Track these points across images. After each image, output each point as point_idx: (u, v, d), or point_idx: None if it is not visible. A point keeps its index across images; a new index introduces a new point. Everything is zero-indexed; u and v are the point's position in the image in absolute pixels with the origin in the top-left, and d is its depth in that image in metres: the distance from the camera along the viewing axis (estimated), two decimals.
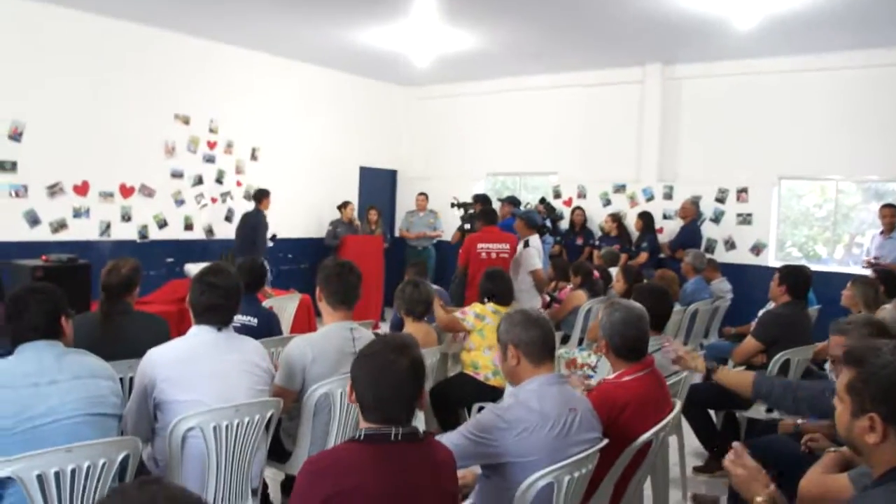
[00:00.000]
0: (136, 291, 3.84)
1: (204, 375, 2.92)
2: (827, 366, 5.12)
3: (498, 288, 5.14)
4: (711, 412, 5.02)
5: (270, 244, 9.24)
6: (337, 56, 9.97)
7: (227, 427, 2.87)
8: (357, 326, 3.63)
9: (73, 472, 2.38)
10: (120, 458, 2.51)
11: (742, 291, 8.05)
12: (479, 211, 7.83)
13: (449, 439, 2.51)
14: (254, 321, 4.53)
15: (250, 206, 9.72)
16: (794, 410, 3.27)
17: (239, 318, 4.52)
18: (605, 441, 2.67)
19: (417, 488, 2.02)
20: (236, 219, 9.70)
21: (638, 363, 3.11)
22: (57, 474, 2.35)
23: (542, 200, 10.51)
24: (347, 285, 3.58)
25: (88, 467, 2.41)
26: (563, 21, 7.86)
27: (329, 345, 3.43)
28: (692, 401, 4.52)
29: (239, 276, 3.25)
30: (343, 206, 10.35)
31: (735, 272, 8.53)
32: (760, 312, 6.21)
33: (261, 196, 9.15)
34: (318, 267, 3.74)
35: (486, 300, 5.10)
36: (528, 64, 10.11)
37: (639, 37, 8.41)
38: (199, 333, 3.02)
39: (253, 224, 9.02)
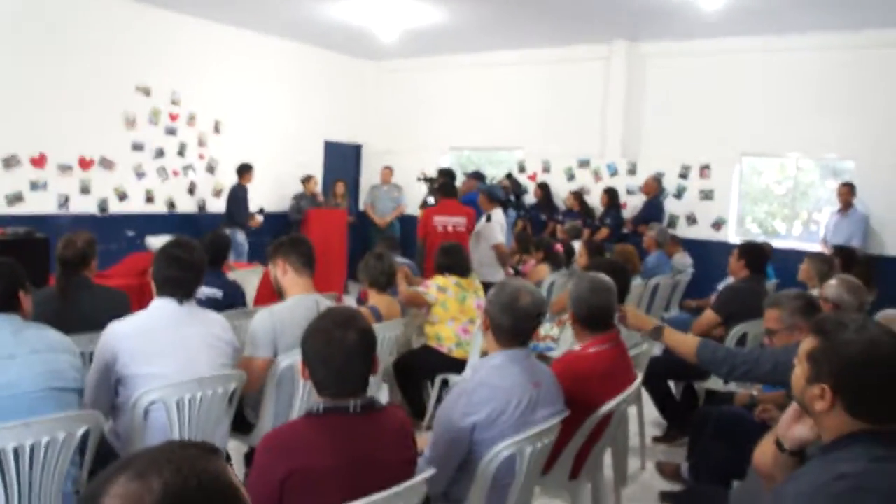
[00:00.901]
0: (93, 265, 3.79)
1: (166, 348, 2.89)
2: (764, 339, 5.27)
3: (454, 261, 5.17)
4: (671, 383, 5.11)
5: (260, 218, 9.24)
6: (303, 29, 9.85)
7: (189, 400, 2.86)
8: (321, 298, 3.62)
9: (31, 447, 2.34)
10: (80, 432, 2.48)
11: (702, 266, 8.18)
12: (438, 185, 7.85)
13: (427, 449, 2.53)
14: (219, 293, 4.50)
15: (213, 178, 9.65)
16: (732, 377, 3.33)
17: (204, 291, 4.48)
18: (567, 412, 2.71)
19: (377, 459, 2.04)
20: (198, 192, 9.63)
21: (603, 334, 3.15)
22: (16, 450, 2.31)
23: (509, 175, 10.54)
24: (307, 247, 3.63)
25: (48, 442, 2.38)
26: None
27: (294, 315, 3.41)
28: (652, 372, 4.59)
29: (203, 249, 3.22)
30: (306, 180, 10.28)
31: (696, 247, 8.66)
32: (720, 286, 6.33)
33: (242, 170, 9.15)
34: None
35: (444, 274, 5.12)
36: (493, 39, 10.07)
37: (605, 14, 8.42)
38: (161, 306, 2.98)
39: (232, 198, 9.14)
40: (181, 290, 2.99)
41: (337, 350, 2.05)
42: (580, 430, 2.91)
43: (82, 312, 3.55)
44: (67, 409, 2.56)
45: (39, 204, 7.97)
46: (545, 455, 2.68)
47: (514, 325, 2.61)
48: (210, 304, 4.37)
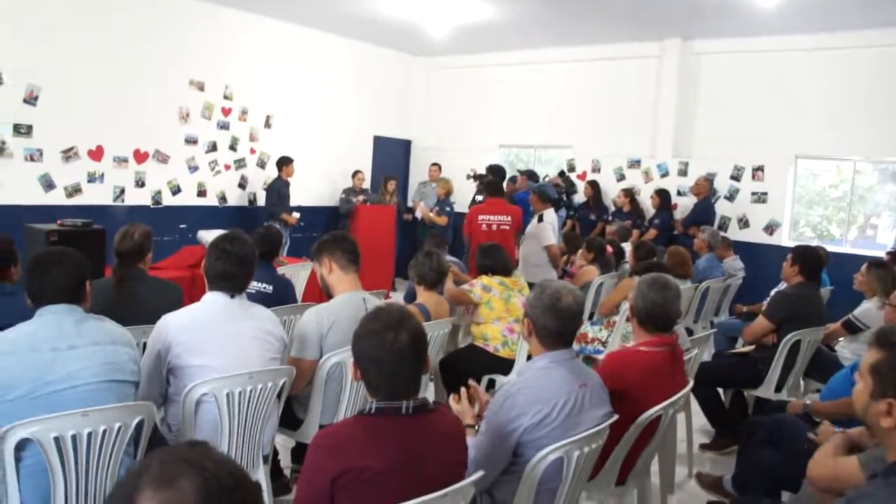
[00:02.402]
0: (148, 257, 3.86)
1: (217, 341, 2.94)
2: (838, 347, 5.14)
3: (494, 262, 5.16)
4: (720, 390, 5.03)
5: (297, 215, 9.33)
6: (353, 25, 9.91)
7: (240, 394, 2.90)
8: (368, 296, 3.64)
9: (89, 435, 2.40)
10: (135, 422, 2.53)
11: (754, 270, 8.02)
12: (485, 182, 7.81)
13: (472, 447, 2.50)
14: (269, 288, 4.56)
15: (263, 173, 9.76)
16: None
17: (254, 285, 4.54)
18: (615, 417, 2.68)
19: (428, 460, 2.04)
20: (249, 186, 9.76)
21: (660, 336, 3.11)
22: (74, 437, 2.37)
23: (562, 174, 10.47)
24: (352, 244, 3.65)
25: (104, 431, 2.44)
26: None
27: (342, 314, 3.44)
28: (701, 378, 4.52)
29: (254, 244, 3.25)
30: (353, 175, 10.35)
31: (748, 251, 8.50)
32: (773, 292, 6.20)
33: (281, 163, 9.22)
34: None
35: (487, 274, 5.12)
36: (544, 36, 10.01)
37: (658, 11, 8.31)
38: (213, 300, 3.04)
39: (269, 191, 9.26)
40: (232, 284, 3.04)
41: (389, 352, 2.05)
42: (627, 434, 2.88)
43: (137, 304, 3.62)
44: (124, 399, 2.60)
45: (96, 196, 8.16)
46: (593, 459, 2.65)
47: (558, 326, 2.60)
48: (260, 298, 4.42)
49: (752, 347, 5.01)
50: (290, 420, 3.56)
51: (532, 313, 2.64)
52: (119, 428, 2.48)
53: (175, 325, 2.94)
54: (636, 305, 3.14)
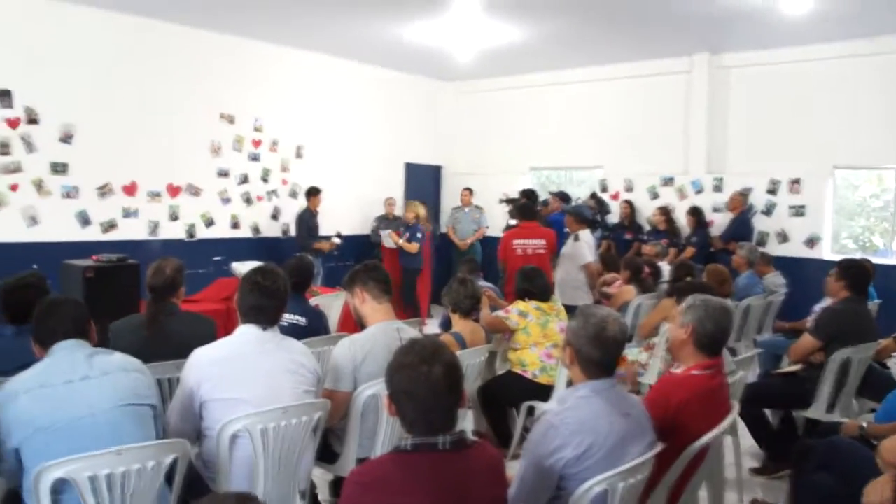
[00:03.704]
0: (181, 291, 3.85)
1: (250, 374, 2.90)
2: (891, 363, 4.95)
3: (534, 286, 5.08)
4: (768, 412, 4.86)
5: (338, 241, 9.41)
6: (379, 52, 9.96)
7: (274, 429, 2.84)
8: (403, 326, 3.58)
9: (123, 474, 2.38)
10: (168, 460, 2.51)
11: (796, 286, 7.81)
12: (517, 206, 7.74)
13: (513, 483, 2.42)
14: (302, 320, 4.51)
15: (296, 203, 9.80)
16: None
17: (287, 318, 4.50)
18: (661, 447, 2.57)
19: (468, 497, 1.97)
20: (282, 217, 9.80)
21: (711, 359, 3.00)
22: (108, 477, 2.35)
23: (593, 195, 10.38)
24: (383, 273, 3.60)
25: (138, 470, 2.42)
26: (608, 12, 7.73)
27: (376, 345, 3.38)
28: (748, 400, 4.37)
29: (287, 276, 3.22)
30: (385, 202, 10.36)
31: (788, 266, 8.28)
32: (816, 308, 6.02)
33: (309, 194, 9.24)
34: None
35: (525, 299, 5.03)
36: (571, 56, 9.97)
37: (685, 26, 8.23)
38: (245, 333, 3.00)
39: (297, 222, 9.28)
40: (265, 317, 3.00)
41: (423, 386, 1.99)
42: (676, 463, 2.76)
43: (169, 339, 3.60)
44: (145, 425, 2.61)
45: (131, 231, 8.26)
46: (639, 491, 2.55)
47: (602, 356, 2.50)
48: (293, 330, 4.38)
49: (800, 366, 4.84)
50: (327, 453, 3.50)
51: (576, 342, 2.55)
52: (152, 466, 2.45)
53: (206, 360, 2.91)
54: (700, 328, 2.98)
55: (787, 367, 5.24)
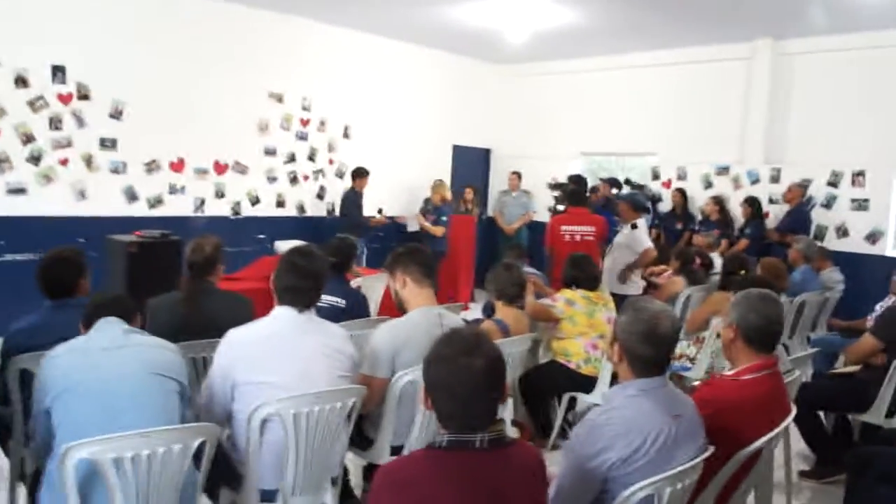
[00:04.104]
0: (219, 269, 3.79)
1: (283, 357, 2.83)
2: None
3: (583, 274, 4.93)
4: (821, 414, 4.65)
5: (378, 216, 9.38)
6: (431, 33, 9.81)
7: (307, 414, 2.77)
8: (444, 311, 3.46)
9: (148, 456, 2.32)
10: (196, 444, 2.45)
11: (855, 283, 7.50)
12: (566, 191, 7.56)
13: (554, 483, 2.30)
14: (342, 302, 4.44)
15: (342, 183, 9.75)
16: None
17: (327, 299, 4.43)
18: (711, 450, 2.42)
19: (505, 499, 1.85)
20: (328, 196, 9.76)
21: (764, 358, 2.82)
22: (133, 458, 2.30)
23: (627, 181, 10.11)
24: (426, 257, 3.49)
25: (164, 452, 2.36)
26: None
27: (417, 330, 3.27)
28: (801, 401, 4.16)
29: (326, 256, 3.13)
30: (433, 185, 10.21)
31: (847, 261, 7.93)
32: (878, 307, 5.76)
33: (355, 175, 9.15)
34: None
35: (572, 287, 4.87)
36: (626, 40, 9.70)
37: (747, 10, 7.90)
38: (281, 315, 2.93)
39: (343, 202, 9.20)
40: (301, 298, 2.92)
41: (462, 379, 1.86)
42: (724, 469, 2.60)
43: (206, 318, 3.55)
44: (169, 397, 2.61)
45: (177, 207, 8.27)
46: (686, 496, 2.40)
47: (654, 354, 2.34)
48: (332, 312, 4.31)
49: (858, 367, 4.62)
50: (361, 440, 3.42)
51: (626, 339, 2.38)
52: (179, 449, 2.39)
53: (240, 341, 2.85)
54: (744, 322, 2.82)
55: (844, 367, 5.02)
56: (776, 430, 2.68)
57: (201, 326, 3.45)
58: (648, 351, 2.34)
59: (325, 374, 2.88)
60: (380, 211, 9.45)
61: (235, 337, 2.86)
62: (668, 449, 2.28)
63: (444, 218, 9.41)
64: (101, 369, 2.51)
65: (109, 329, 2.66)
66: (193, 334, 3.42)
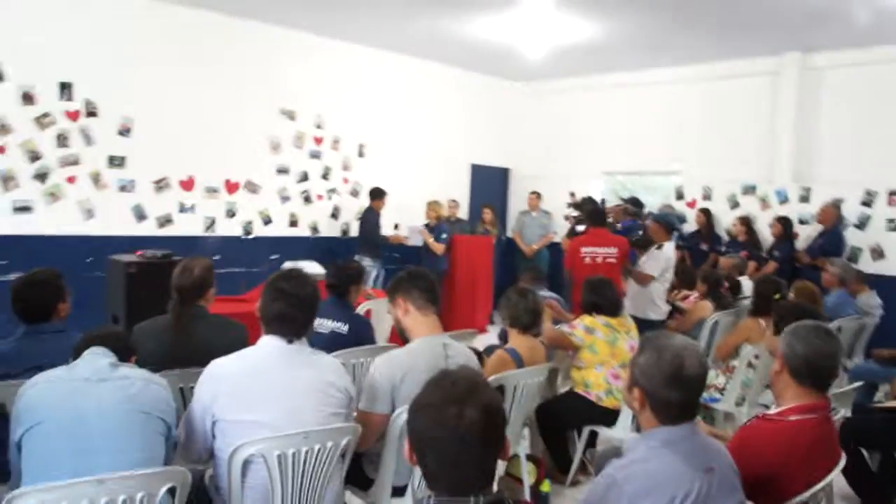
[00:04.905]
0: (210, 293, 3.53)
1: (269, 393, 2.55)
2: None
3: (603, 299, 4.59)
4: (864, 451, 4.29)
5: (400, 233, 9.15)
6: (446, 50, 9.61)
7: (293, 455, 2.50)
8: (450, 341, 3.18)
9: None
10: (163, 490, 2.17)
11: (892, 307, 7.12)
12: (587, 211, 7.25)
13: None
14: (344, 328, 4.17)
15: (357, 202, 9.53)
16: None
17: (328, 325, 4.19)
18: None
19: None
20: (342, 216, 9.54)
21: (815, 398, 2.52)
22: None
23: (630, 200, 9.77)
24: (429, 281, 3.21)
25: (123, 501, 2.09)
26: (690, 7, 7.17)
27: (418, 362, 2.98)
28: (841, 437, 3.82)
29: (323, 279, 2.86)
30: (447, 206, 9.94)
31: (884, 285, 7.55)
32: None
33: (374, 195, 8.92)
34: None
35: (592, 313, 4.56)
36: (648, 56, 9.42)
37: (774, 23, 7.60)
38: (268, 345, 2.66)
39: (361, 222, 8.98)
40: (290, 328, 2.65)
41: (450, 433, 1.57)
42: None
43: (196, 345, 3.30)
44: (152, 438, 2.41)
45: (187, 226, 8.08)
46: None
47: (681, 399, 2.03)
48: (334, 338, 4.06)
49: None
50: (361, 479, 3.13)
51: (647, 384, 2.07)
52: (143, 498, 2.12)
53: (223, 373, 2.58)
54: (792, 354, 2.52)
55: (887, 401, 4.66)
56: (825, 481, 2.36)
57: (191, 354, 3.19)
58: (675, 395, 2.03)
59: (315, 412, 2.60)
60: (396, 226, 9.20)
61: (219, 368, 2.60)
62: None
63: (444, 235, 9.10)
64: (79, 403, 2.31)
65: (95, 360, 2.46)
66: (182, 362, 3.17)
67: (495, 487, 1.66)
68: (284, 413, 2.53)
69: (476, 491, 1.58)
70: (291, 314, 2.65)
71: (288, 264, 7.13)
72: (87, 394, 2.32)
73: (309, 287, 2.72)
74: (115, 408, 2.33)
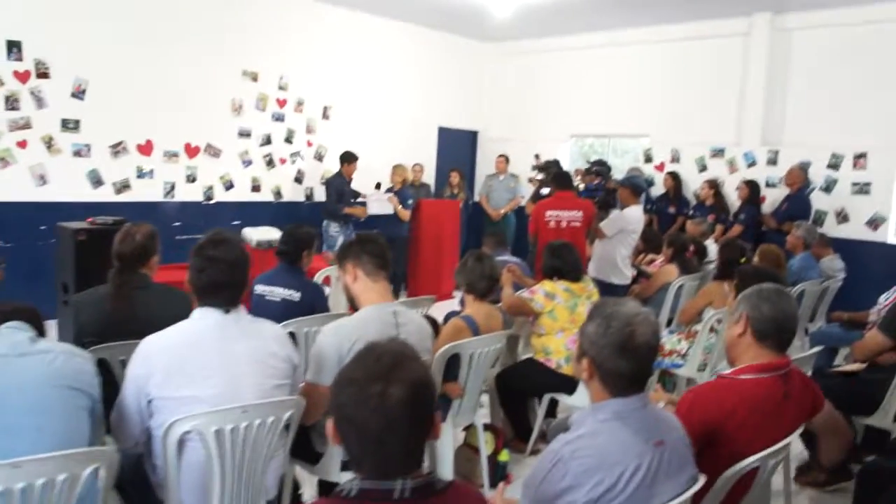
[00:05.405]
0: (153, 261, 3.38)
1: (207, 367, 2.43)
2: None
3: (563, 263, 4.48)
4: None
5: (376, 190, 9.01)
6: (414, 9, 9.40)
7: (231, 431, 2.39)
8: (401, 308, 3.08)
9: (22, 490, 1.94)
10: (87, 472, 2.06)
11: (855, 271, 7.14)
12: (552, 174, 7.14)
13: None
14: (296, 295, 4.05)
15: (321, 166, 9.35)
16: None
17: (280, 292, 4.07)
18: (702, 481, 2.03)
19: None
20: (306, 180, 9.37)
21: (774, 358, 2.48)
22: (4, 493, 1.93)
23: (598, 162, 9.67)
24: (379, 246, 3.09)
25: (43, 484, 1.97)
26: None
27: (368, 330, 2.86)
28: None
29: (241, 246, 2.71)
30: (412, 168, 9.76)
31: (847, 248, 7.59)
32: (882, 298, 5.38)
33: (343, 159, 8.58)
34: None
35: (553, 277, 4.47)
36: (617, 16, 9.28)
37: None
38: (203, 317, 2.52)
39: (327, 187, 8.67)
40: (224, 296, 2.52)
41: (374, 413, 1.45)
42: (713, 491, 2.23)
43: (137, 315, 3.16)
44: (75, 413, 2.28)
45: (145, 192, 7.86)
46: None
47: (631, 369, 1.94)
48: (285, 306, 3.95)
49: (862, 366, 4.25)
50: (309, 453, 3.04)
51: (595, 353, 1.97)
52: (64, 479, 2.01)
53: (156, 348, 2.45)
54: (757, 315, 2.47)
55: (846, 365, 4.65)
56: (777, 446, 2.31)
57: (132, 324, 3.05)
58: (625, 365, 1.93)
59: (254, 385, 2.49)
60: (377, 186, 9.05)
61: (152, 343, 2.47)
62: (648, 485, 1.89)
63: (410, 202, 8.86)
64: None
65: (12, 335, 2.31)
66: (123, 334, 3.03)
67: (425, 469, 1.57)
68: (223, 387, 2.42)
69: (403, 474, 1.49)
70: (223, 281, 2.50)
71: (247, 231, 7.00)
72: (5, 370, 2.20)
73: (237, 250, 2.58)
74: (37, 383, 2.21)
